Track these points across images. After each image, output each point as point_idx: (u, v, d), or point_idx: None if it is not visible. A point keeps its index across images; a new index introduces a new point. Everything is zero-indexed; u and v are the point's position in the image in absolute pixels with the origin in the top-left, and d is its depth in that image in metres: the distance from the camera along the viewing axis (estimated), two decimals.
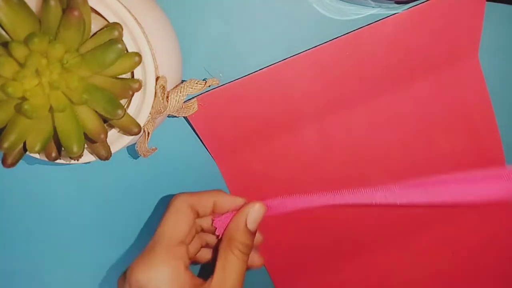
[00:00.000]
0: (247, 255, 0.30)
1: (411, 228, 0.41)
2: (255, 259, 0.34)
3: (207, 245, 0.34)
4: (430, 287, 0.43)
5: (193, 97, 0.35)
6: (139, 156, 0.33)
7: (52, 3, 0.24)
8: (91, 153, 0.29)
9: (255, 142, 0.37)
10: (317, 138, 0.38)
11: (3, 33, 0.25)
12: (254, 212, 0.30)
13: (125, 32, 0.27)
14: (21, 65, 0.24)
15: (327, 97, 0.36)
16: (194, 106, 0.34)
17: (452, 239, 0.42)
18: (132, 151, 0.38)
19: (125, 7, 0.27)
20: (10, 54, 0.23)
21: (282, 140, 0.37)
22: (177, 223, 0.30)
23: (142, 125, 0.28)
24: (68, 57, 0.24)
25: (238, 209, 0.31)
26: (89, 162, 0.30)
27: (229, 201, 0.31)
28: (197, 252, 0.33)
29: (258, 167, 0.38)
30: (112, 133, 0.29)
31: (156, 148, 0.33)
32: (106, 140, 0.27)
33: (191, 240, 0.31)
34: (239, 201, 0.32)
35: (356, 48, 0.35)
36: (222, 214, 0.32)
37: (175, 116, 0.35)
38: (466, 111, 0.38)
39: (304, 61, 0.35)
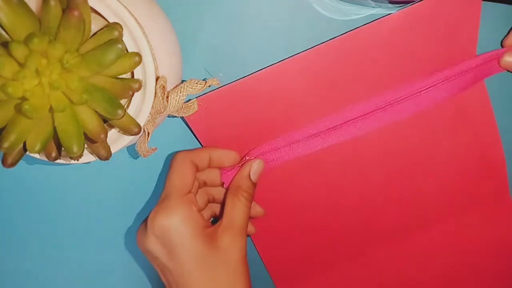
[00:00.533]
0: (250, 202, 0.35)
1: (411, 228, 0.41)
2: (257, 208, 0.39)
3: (213, 200, 0.38)
4: (430, 287, 0.43)
5: (193, 98, 0.35)
6: (139, 156, 0.33)
7: (52, 3, 0.24)
8: (91, 153, 0.29)
9: (254, 143, 0.37)
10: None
11: (3, 33, 0.25)
12: (256, 165, 0.36)
13: (125, 32, 0.27)
14: (21, 65, 0.24)
15: (326, 97, 0.36)
16: (194, 106, 0.34)
17: (452, 239, 0.42)
18: (132, 151, 0.38)
19: (125, 7, 0.27)
20: (10, 54, 0.23)
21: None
22: (183, 176, 0.34)
23: (142, 125, 0.28)
24: (68, 57, 0.24)
25: (241, 165, 0.36)
26: (89, 162, 0.30)
27: (222, 154, 0.36)
28: (205, 206, 0.37)
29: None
30: (112, 133, 0.29)
31: (156, 148, 0.33)
32: (106, 140, 0.27)
33: (197, 192, 0.36)
34: (232, 154, 0.37)
35: (355, 48, 0.35)
36: (229, 171, 0.37)
37: (175, 116, 0.35)
38: (466, 111, 0.38)
39: (303, 61, 0.35)
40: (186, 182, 0.34)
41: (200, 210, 0.35)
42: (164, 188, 0.34)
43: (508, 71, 0.37)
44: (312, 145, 0.37)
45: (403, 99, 0.37)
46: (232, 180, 0.36)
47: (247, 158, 0.37)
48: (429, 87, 0.36)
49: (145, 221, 0.34)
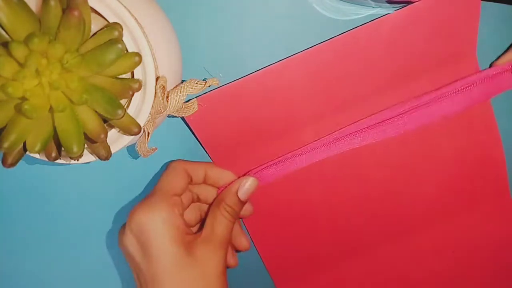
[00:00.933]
0: (234, 218, 0.34)
1: (411, 228, 0.41)
2: (243, 240, 0.38)
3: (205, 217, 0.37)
4: (430, 286, 0.43)
5: (193, 98, 0.35)
6: (139, 156, 0.33)
7: (52, 3, 0.24)
8: (91, 153, 0.29)
9: (254, 144, 0.37)
10: (315, 140, 0.38)
11: (3, 33, 0.25)
12: (247, 184, 0.35)
13: (125, 32, 0.27)
14: (21, 65, 0.24)
15: (326, 97, 0.36)
16: (194, 106, 0.34)
17: (452, 239, 0.42)
18: (132, 151, 0.38)
19: (125, 7, 0.27)
20: (10, 54, 0.23)
21: (281, 142, 0.37)
22: (173, 179, 0.34)
23: (142, 125, 0.28)
24: (68, 57, 0.24)
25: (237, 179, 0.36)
26: (89, 162, 0.30)
27: (218, 173, 0.36)
28: (196, 222, 0.37)
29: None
30: (112, 133, 0.29)
31: (156, 148, 0.33)
32: (106, 140, 0.27)
33: (189, 204, 0.35)
34: (228, 174, 0.36)
35: (354, 48, 0.35)
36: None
37: (175, 116, 0.35)
38: (466, 111, 0.38)
39: (302, 60, 0.35)
40: (173, 185, 0.33)
41: (189, 222, 0.35)
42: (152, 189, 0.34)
43: None
44: (314, 157, 0.37)
45: (407, 113, 0.37)
46: (219, 193, 0.36)
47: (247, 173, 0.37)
48: (435, 101, 0.36)
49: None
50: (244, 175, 0.37)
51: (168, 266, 0.31)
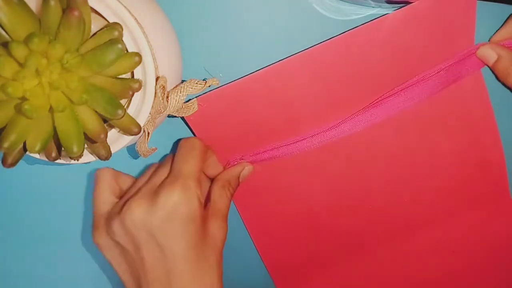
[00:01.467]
0: (232, 195, 0.38)
1: (411, 227, 0.41)
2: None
3: None
4: (429, 286, 0.43)
5: (193, 98, 0.35)
6: (139, 156, 0.33)
7: (52, 3, 0.24)
8: (91, 153, 0.29)
9: (254, 144, 0.37)
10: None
11: (3, 33, 0.25)
12: (247, 169, 0.38)
13: (125, 32, 0.27)
14: (21, 65, 0.24)
15: (326, 97, 0.36)
16: (194, 106, 0.34)
17: (452, 239, 0.42)
18: (132, 151, 0.38)
19: (125, 7, 0.27)
20: (10, 54, 0.23)
21: (281, 141, 0.37)
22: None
23: (142, 125, 0.28)
24: (68, 57, 0.24)
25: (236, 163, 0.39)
26: (89, 162, 0.30)
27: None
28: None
29: (257, 168, 0.38)
30: (112, 133, 0.29)
31: (156, 148, 0.33)
32: (106, 140, 0.27)
33: None
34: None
35: (354, 47, 0.35)
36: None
37: (175, 116, 0.35)
38: (466, 111, 0.38)
39: (302, 60, 0.35)
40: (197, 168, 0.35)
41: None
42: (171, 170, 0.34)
43: (487, 66, 0.36)
44: (308, 144, 0.38)
45: (390, 96, 0.37)
46: (220, 174, 0.37)
47: (242, 157, 0.38)
48: (409, 86, 0.36)
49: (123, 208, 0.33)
50: (240, 157, 0.38)
51: (190, 241, 0.33)
